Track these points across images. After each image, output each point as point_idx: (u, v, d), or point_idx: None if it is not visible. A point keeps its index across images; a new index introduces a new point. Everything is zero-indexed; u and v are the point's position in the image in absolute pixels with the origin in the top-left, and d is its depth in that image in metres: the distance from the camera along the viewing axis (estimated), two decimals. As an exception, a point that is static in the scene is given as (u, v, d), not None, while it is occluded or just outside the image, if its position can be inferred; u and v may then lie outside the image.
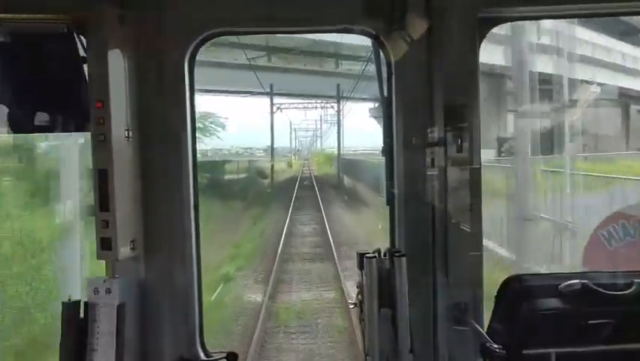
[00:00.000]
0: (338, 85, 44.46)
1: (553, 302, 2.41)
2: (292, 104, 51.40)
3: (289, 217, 24.66)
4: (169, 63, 2.54)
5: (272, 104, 46.89)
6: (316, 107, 55.21)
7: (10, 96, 2.44)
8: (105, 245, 2.38)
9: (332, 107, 53.04)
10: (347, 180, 45.05)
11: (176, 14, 2.54)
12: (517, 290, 2.45)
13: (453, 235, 2.47)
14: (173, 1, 2.54)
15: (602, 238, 4.66)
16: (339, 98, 48.05)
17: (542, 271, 8.04)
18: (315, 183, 52.21)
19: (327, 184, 50.97)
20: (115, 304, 2.39)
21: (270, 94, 45.02)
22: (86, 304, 2.41)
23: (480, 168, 2.47)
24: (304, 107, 54.47)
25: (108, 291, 2.41)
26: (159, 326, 2.57)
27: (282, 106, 50.03)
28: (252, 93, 45.73)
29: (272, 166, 47.70)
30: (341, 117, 51.55)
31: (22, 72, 2.44)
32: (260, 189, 40.89)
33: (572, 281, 2.41)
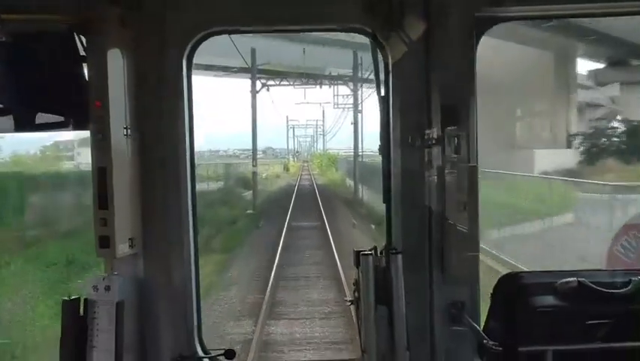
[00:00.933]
0: (355, 54, 43.51)
1: (549, 300, 3.45)
2: (285, 77, 48.28)
3: (260, 329, 14.40)
4: (167, 63, 3.77)
5: (254, 79, 44.07)
6: (320, 85, 52.36)
7: (11, 95, 3.65)
8: (103, 243, 3.57)
9: (344, 82, 51.18)
10: (370, 197, 37.67)
11: (175, 14, 3.77)
12: (514, 288, 3.55)
13: (449, 234, 3.63)
14: (172, 1, 3.77)
15: (618, 253, 5.94)
16: (355, 74, 47.02)
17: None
18: (319, 198, 45.75)
19: (338, 201, 44.59)
20: (114, 301, 3.58)
21: (252, 68, 43.20)
22: (85, 301, 3.60)
23: (476, 167, 3.65)
24: (302, 85, 51.45)
25: (107, 288, 3.61)
26: (158, 323, 3.77)
27: (270, 83, 47.50)
28: (227, 69, 44.97)
29: (253, 174, 44.26)
30: (359, 100, 49.60)
31: (23, 71, 3.64)
32: (231, 213, 35.12)
33: (569, 279, 3.45)
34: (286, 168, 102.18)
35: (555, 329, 3.43)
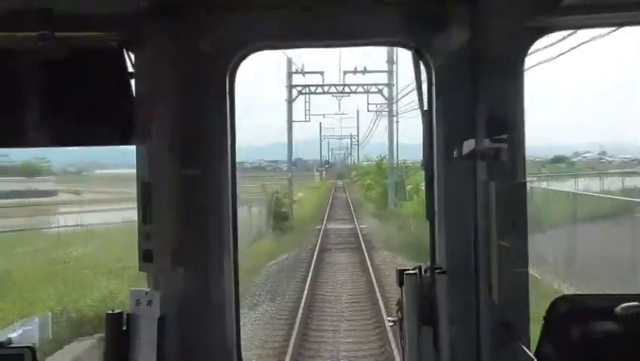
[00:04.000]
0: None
1: (608, 325, 3.28)
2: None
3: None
4: (212, 80, 3.75)
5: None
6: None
7: (59, 110, 3.68)
8: (147, 257, 3.56)
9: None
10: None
11: (219, 31, 3.75)
12: (569, 311, 3.42)
13: (496, 252, 3.52)
14: (217, 17, 3.75)
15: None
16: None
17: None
18: None
19: None
20: (156, 316, 3.56)
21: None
22: (128, 316, 3.58)
23: (525, 183, 3.53)
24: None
25: (149, 303, 3.59)
26: (197, 339, 3.72)
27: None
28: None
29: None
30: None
31: (71, 87, 3.67)
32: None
33: (631, 304, 3.25)
34: (282, 218, 42.62)
35: (614, 356, 3.25)
